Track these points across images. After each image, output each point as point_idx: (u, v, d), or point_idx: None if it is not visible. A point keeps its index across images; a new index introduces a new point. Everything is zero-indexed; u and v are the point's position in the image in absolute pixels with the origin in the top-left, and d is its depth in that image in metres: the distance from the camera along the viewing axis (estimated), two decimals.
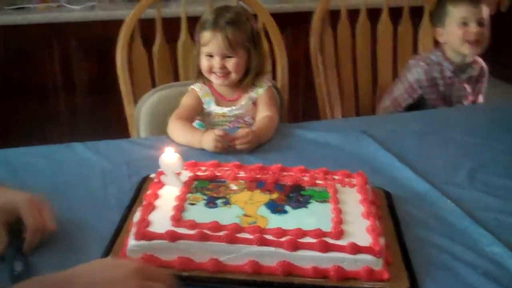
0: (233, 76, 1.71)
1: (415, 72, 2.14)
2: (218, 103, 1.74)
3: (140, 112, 1.85)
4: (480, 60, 2.19)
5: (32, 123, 2.62)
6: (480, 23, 2.06)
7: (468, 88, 2.16)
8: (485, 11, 2.08)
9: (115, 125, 2.03)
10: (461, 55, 2.12)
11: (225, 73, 1.70)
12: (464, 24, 2.07)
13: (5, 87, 2.57)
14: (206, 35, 1.68)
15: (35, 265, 0.99)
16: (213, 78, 1.72)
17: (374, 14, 2.31)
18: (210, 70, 1.70)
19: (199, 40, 1.72)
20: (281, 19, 2.23)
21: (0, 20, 2.49)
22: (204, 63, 1.70)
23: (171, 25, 2.08)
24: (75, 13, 2.57)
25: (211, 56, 1.69)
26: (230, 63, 1.69)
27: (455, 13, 2.09)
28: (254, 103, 1.75)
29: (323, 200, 1.19)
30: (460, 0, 2.08)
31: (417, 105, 2.17)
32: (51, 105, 2.64)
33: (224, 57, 1.68)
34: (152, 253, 1.03)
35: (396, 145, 1.59)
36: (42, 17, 2.53)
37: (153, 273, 0.88)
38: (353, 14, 2.29)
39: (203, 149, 1.53)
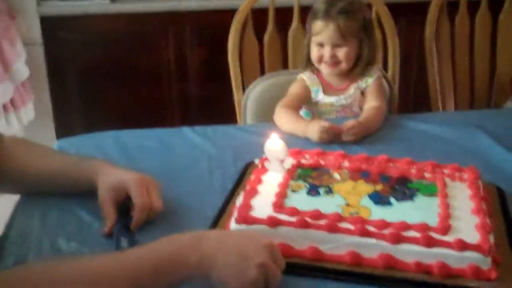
0: (343, 65, 1.69)
1: None
2: (326, 92, 1.73)
3: (248, 99, 1.87)
4: None
5: (146, 107, 2.73)
6: None
7: None
8: None
9: (224, 111, 2.07)
10: None
11: (335, 62, 1.68)
12: None
13: (122, 73, 2.68)
14: (317, 25, 1.67)
15: (140, 242, 1.03)
16: (323, 68, 1.71)
17: (495, 4, 2.20)
18: (320, 60, 1.69)
19: (310, 29, 1.71)
20: (396, 9, 2.16)
21: (123, 9, 2.60)
22: (315, 52, 1.69)
23: (283, 14, 2.08)
24: (192, 2, 2.63)
25: (321, 45, 1.68)
26: (341, 53, 1.67)
27: None
28: (363, 93, 1.72)
29: (431, 194, 1.15)
30: None
31: None
32: (164, 91, 2.72)
33: (335, 46, 1.67)
34: None
35: (511, 140, 1.51)
36: (161, 6, 2.61)
37: (277, 256, 0.92)
38: (473, 5, 2.19)
39: (308, 139, 1.52)
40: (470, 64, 2.24)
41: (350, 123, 1.51)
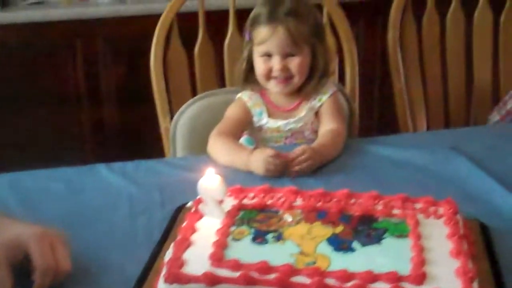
0: (296, 79, 1.71)
1: None
2: (271, 115, 1.75)
3: (177, 126, 1.88)
4: None
5: (49, 138, 2.68)
6: None
7: None
8: None
9: (147, 142, 2.07)
10: None
11: (287, 76, 1.70)
12: None
13: (16, 96, 2.63)
14: (262, 32, 1.69)
15: None
16: (272, 85, 1.73)
17: (468, 0, 2.28)
18: (269, 75, 1.71)
19: (251, 39, 1.73)
20: (351, 9, 2.23)
21: (17, 17, 2.57)
22: (260, 66, 1.71)
23: (217, 19, 2.10)
24: (102, 8, 2.62)
25: (269, 56, 1.70)
26: (294, 64, 1.70)
27: None
28: (316, 114, 1.75)
29: (401, 234, 1.17)
30: None
31: None
32: (72, 117, 2.69)
33: (285, 56, 1.69)
34: None
35: (496, 165, 1.55)
36: (64, 13, 2.59)
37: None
38: (443, 0, 2.26)
39: (251, 172, 1.53)
40: (442, 73, 2.30)
41: (300, 149, 1.53)
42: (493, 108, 2.25)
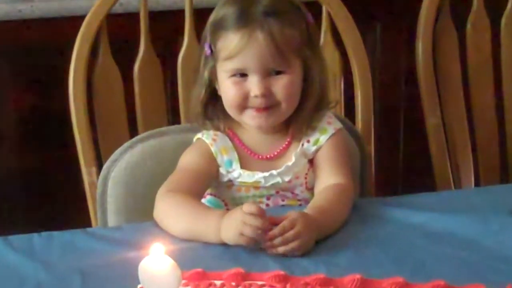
0: (284, 108, 1.72)
1: None
2: (245, 165, 1.76)
3: (108, 180, 1.88)
4: None
5: None
6: None
7: None
8: None
9: (63, 204, 2.05)
10: None
11: (270, 104, 1.70)
12: None
13: None
14: (231, 40, 1.68)
15: None
16: (248, 117, 1.73)
17: None
18: (243, 103, 1.71)
19: (213, 53, 1.74)
20: (362, 9, 2.25)
21: None
22: (229, 91, 1.71)
23: (167, 24, 2.11)
24: None
25: (242, 75, 1.70)
26: (280, 85, 1.69)
27: None
28: (311, 162, 1.77)
29: None
30: None
31: None
32: None
33: (268, 74, 1.69)
34: None
35: None
36: None
37: None
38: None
39: (220, 245, 1.53)
40: (497, 101, 2.33)
41: (288, 222, 1.50)
42: None
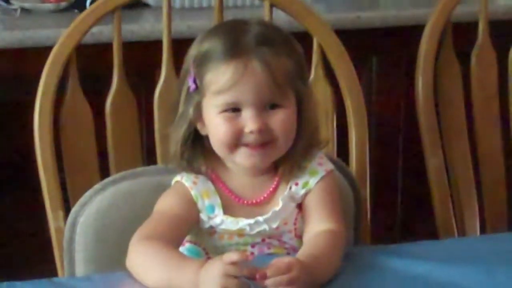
0: (280, 144, 1.71)
1: None
2: (229, 210, 1.75)
3: (77, 225, 1.87)
4: None
5: None
6: None
7: None
8: None
9: (26, 251, 2.04)
10: None
11: (267, 140, 1.69)
12: None
13: None
14: (222, 72, 1.66)
15: None
16: (241, 156, 1.71)
17: None
18: (236, 141, 1.69)
19: (199, 87, 1.72)
20: (357, 41, 2.26)
21: None
22: (221, 128, 1.69)
23: (142, 55, 2.12)
24: None
25: (235, 110, 1.69)
26: (277, 119, 1.68)
27: None
28: (300, 206, 1.77)
29: None
30: None
31: None
32: None
33: (264, 107, 1.68)
34: None
35: None
36: None
37: None
38: (502, 26, 2.32)
39: None
40: (504, 142, 2.34)
41: (285, 263, 1.48)
42: None
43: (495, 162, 2.34)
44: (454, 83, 2.29)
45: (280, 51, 1.69)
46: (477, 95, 2.31)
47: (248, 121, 1.66)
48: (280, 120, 1.69)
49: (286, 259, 1.51)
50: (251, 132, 1.66)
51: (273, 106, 1.68)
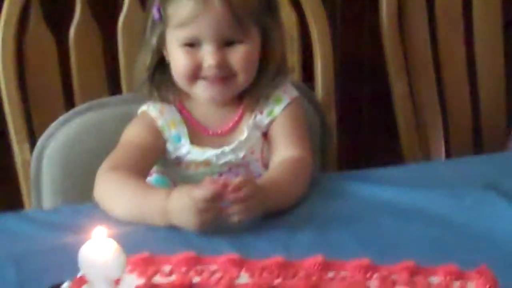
0: (241, 79, 1.73)
1: None
2: (195, 140, 1.76)
3: (43, 157, 1.87)
4: None
5: None
6: None
7: None
8: None
9: None
10: None
11: (226, 75, 1.71)
12: None
13: None
14: (183, 5, 1.67)
15: None
16: (200, 88, 1.73)
17: None
18: (195, 74, 1.71)
19: (162, 18, 1.72)
20: None
21: None
22: (181, 60, 1.71)
23: None
24: None
25: (194, 45, 1.70)
26: (237, 55, 1.70)
27: None
28: (265, 135, 1.78)
29: None
30: None
31: None
32: None
33: (224, 43, 1.69)
34: None
35: None
36: None
37: None
38: None
39: (167, 228, 1.54)
40: (469, 67, 2.35)
41: (238, 181, 1.50)
42: None
43: (460, 87, 2.35)
44: (418, 9, 2.28)
45: None
46: (441, 20, 2.31)
47: (207, 55, 1.68)
48: (240, 55, 1.70)
49: (240, 179, 1.52)
50: (210, 66, 1.68)
51: (234, 42, 1.69)
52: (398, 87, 2.25)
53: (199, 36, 1.68)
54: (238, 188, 1.49)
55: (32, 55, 2.02)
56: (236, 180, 1.50)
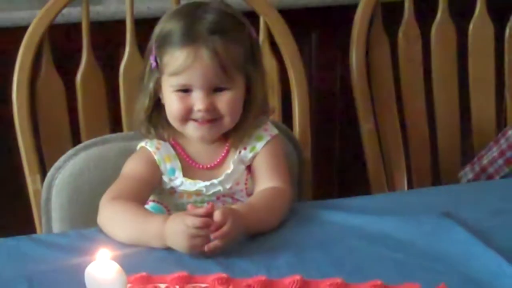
0: (227, 121, 1.73)
1: None
2: (187, 174, 1.76)
3: (52, 187, 1.86)
4: None
5: None
6: None
7: None
8: None
9: (7, 211, 2.03)
10: None
11: (213, 117, 1.71)
12: None
13: None
14: (176, 57, 1.68)
15: None
16: (191, 129, 1.73)
17: (462, 5, 2.34)
18: (186, 116, 1.71)
19: (159, 66, 1.73)
20: (298, 18, 2.27)
21: None
22: (174, 104, 1.71)
23: (109, 34, 2.11)
24: None
25: (186, 91, 1.70)
26: (223, 101, 1.70)
27: None
28: (249, 168, 1.78)
29: None
30: None
31: None
32: None
33: (212, 90, 1.70)
34: None
35: (504, 236, 1.60)
36: None
37: None
38: (425, 7, 2.33)
39: (163, 249, 1.54)
40: (428, 106, 2.35)
41: (220, 216, 1.51)
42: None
43: (421, 126, 2.35)
44: (384, 56, 2.29)
45: (231, 40, 1.70)
46: (404, 66, 2.32)
47: (197, 101, 1.69)
48: (225, 101, 1.70)
49: (220, 212, 1.52)
50: (199, 110, 1.69)
51: (220, 89, 1.70)
52: (366, 127, 2.25)
53: (190, 84, 1.69)
54: (220, 226, 1.50)
55: (43, 96, 2.02)
56: (217, 217, 1.51)
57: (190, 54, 1.66)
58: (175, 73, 1.68)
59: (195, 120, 1.71)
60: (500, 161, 2.21)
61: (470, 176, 2.26)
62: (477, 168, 2.25)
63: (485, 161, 2.24)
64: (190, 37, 1.67)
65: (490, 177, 2.22)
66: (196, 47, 1.66)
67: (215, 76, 1.68)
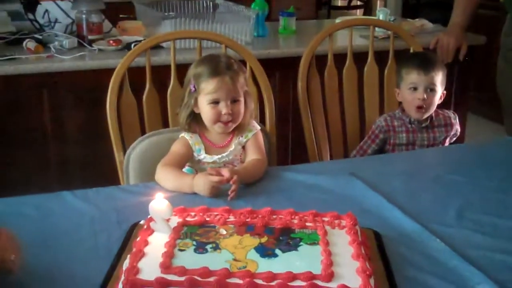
0: (237, 121, 1.72)
1: (377, 122, 2.21)
2: (207, 151, 1.75)
3: (130, 159, 1.85)
4: (446, 111, 2.23)
5: (21, 173, 2.61)
6: (429, 89, 2.10)
7: (431, 136, 2.18)
8: (437, 77, 2.11)
9: (105, 173, 2.02)
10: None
11: (231, 119, 1.70)
12: (414, 89, 2.11)
13: None
14: (211, 83, 1.67)
15: None
16: (218, 127, 1.72)
17: (360, 57, 2.34)
18: (217, 119, 1.70)
19: (196, 90, 1.71)
20: (268, 64, 2.26)
21: None
22: (209, 111, 1.70)
23: (160, 73, 2.10)
24: (65, 63, 2.58)
25: (217, 103, 1.69)
26: (237, 108, 1.70)
27: (407, 79, 2.14)
28: (243, 147, 1.77)
29: (313, 242, 1.20)
30: (411, 66, 2.13)
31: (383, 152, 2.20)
32: (40, 154, 2.63)
33: (232, 102, 1.69)
34: None
35: (384, 186, 1.60)
36: (33, 67, 2.54)
37: None
38: (340, 58, 2.32)
39: (192, 194, 1.54)
40: (341, 114, 2.35)
41: (230, 173, 1.54)
42: None
43: (337, 126, 2.35)
44: (316, 87, 2.28)
45: (238, 72, 1.70)
46: (328, 91, 2.31)
47: (223, 108, 1.68)
48: (237, 109, 1.70)
49: (230, 170, 1.56)
50: (225, 114, 1.68)
51: (234, 101, 1.70)
52: (306, 125, 2.24)
53: (218, 98, 1.68)
54: (228, 180, 1.53)
55: (124, 109, 2.00)
56: (226, 174, 1.53)
57: (218, 81, 1.67)
58: (209, 93, 1.68)
59: (221, 121, 1.70)
60: (369, 141, 2.22)
61: (354, 153, 2.25)
62: (358, 149, 2.24)
63: (362, 144, 2.24)
64: (216, 72, 1.68)
65: (364, 152, 2.22)
66: (221, 77, 1.67)
67: (233, 93, 1.68)
